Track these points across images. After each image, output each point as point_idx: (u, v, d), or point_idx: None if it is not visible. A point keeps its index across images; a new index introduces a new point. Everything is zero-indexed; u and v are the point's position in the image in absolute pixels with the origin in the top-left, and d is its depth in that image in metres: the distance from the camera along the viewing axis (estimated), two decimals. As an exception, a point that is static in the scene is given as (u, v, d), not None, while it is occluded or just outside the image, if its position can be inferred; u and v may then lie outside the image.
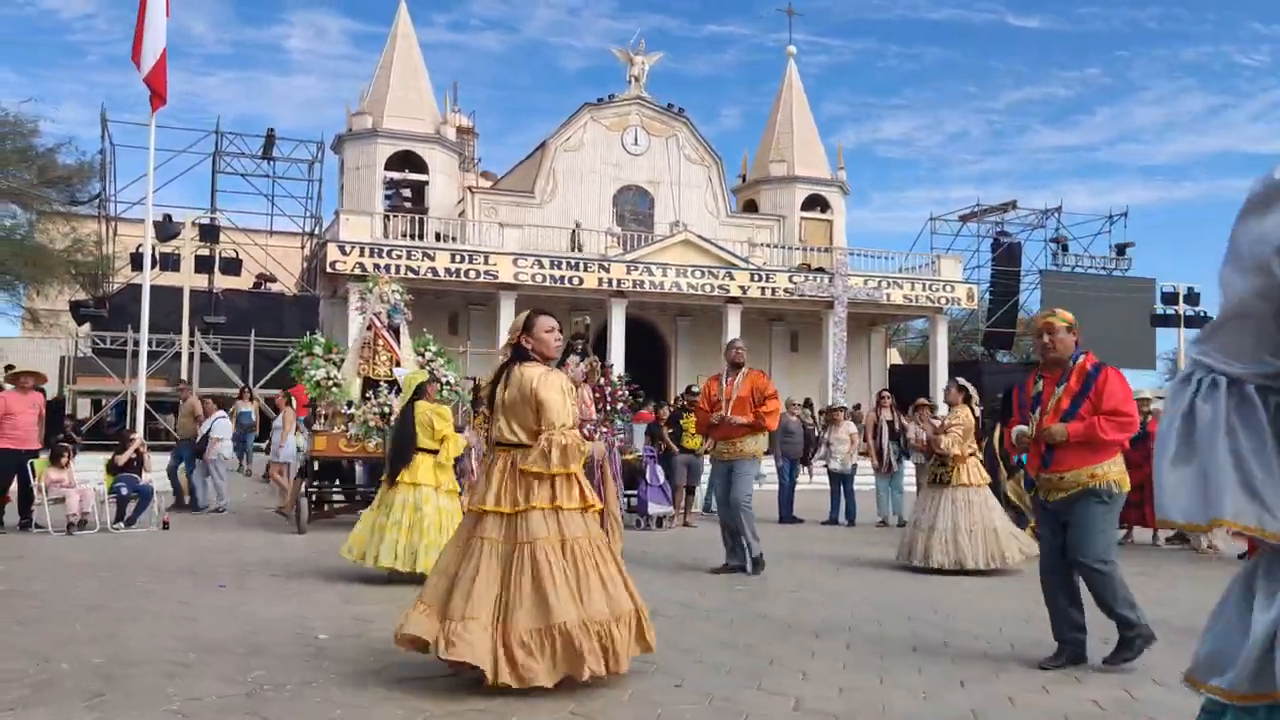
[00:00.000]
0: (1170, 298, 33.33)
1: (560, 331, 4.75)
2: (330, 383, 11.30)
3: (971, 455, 9.00)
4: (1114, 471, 5.05)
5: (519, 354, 4.62)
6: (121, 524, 11.01)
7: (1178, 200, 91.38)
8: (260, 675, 4.65)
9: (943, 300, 31.16)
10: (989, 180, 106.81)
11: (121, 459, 11.54)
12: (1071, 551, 5.01)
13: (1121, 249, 34.77)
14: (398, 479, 7.50)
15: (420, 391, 7.87)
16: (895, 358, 38.27)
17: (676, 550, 9.97)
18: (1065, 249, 34.30)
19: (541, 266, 27.02)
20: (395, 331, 11.75)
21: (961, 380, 9.49)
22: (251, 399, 19.00)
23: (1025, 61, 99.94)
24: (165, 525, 11.23)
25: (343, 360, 11.67)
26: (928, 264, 32.08)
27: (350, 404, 11.29)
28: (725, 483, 8.43)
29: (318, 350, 11.86)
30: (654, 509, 12.04)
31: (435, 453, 7.68)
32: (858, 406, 22.77)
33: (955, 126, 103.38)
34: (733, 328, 26.96)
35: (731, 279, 28.56)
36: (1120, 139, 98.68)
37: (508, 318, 26.86)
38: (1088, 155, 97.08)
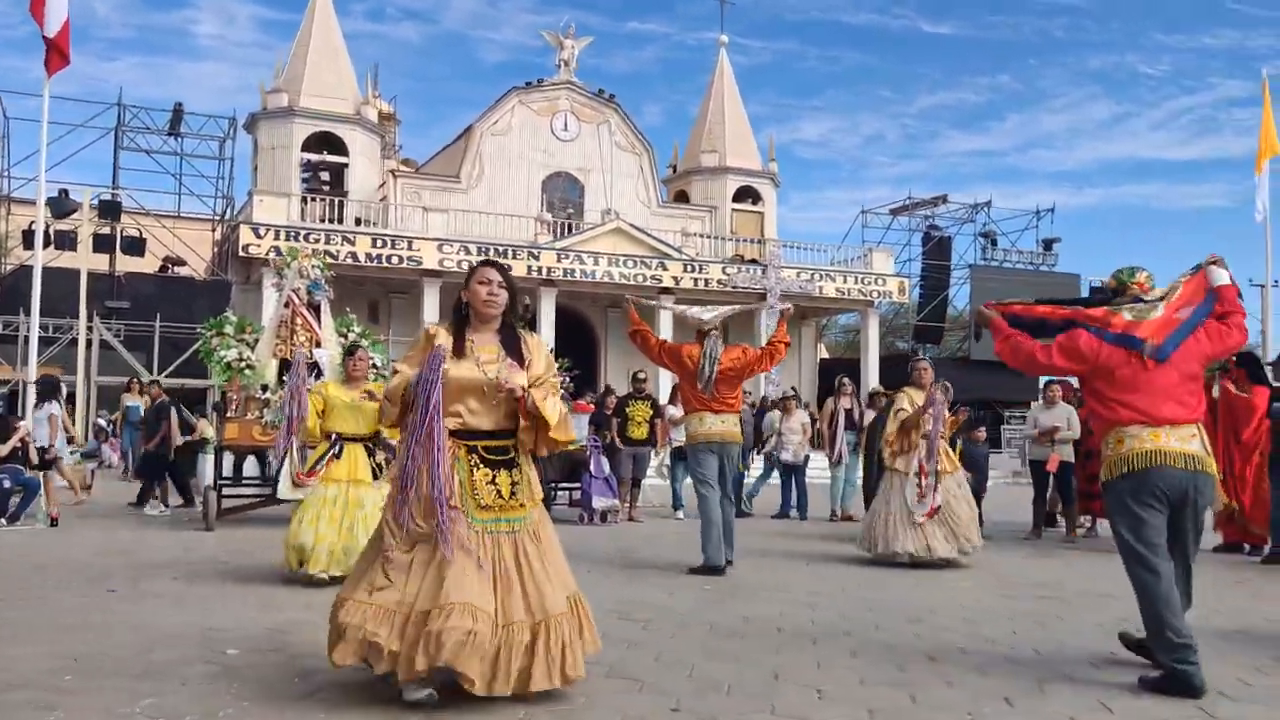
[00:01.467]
0: (1097, 291, 33.47)
1: (504, 286, 3.94)
2: (243, 364, 10.23)
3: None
4: None
5: (457, 310, 3.97)
6: (3, 520, 9.82)
7: (1083, 205, 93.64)
8: (153, 704, 3.73)
9: (874, 294, 30.99)
10: (905, 183, 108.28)
11: (4, 449, 10.32)
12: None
13: (1048, 244, 34.97)
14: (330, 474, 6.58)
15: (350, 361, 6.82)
16: (823, 353, 38.03)
17: (629, 547, 9.16)
18: (994, 243, 34.35)
19: (468, 253, 25.96)
20: (316, 310, 10.72)
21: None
22: (142, 392, 16.56)
23: (939, 67, 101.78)
24: (54, 522, 10.06)
25: (257, 341, 10.61)
26: (860, 257, 31.86)
27: (265, 388, 10.24)
28: (720, 468, 7.58)
29: (229, 330, 10.78)
30: (598, 503, 11.22)
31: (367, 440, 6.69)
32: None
33: (872, 129, 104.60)
34: (664, 320, 26.22)
35: (664, 269, 27.87)
36: (1030, 145, 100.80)
37: (431, 306, 25.77)
38: (1000, 160, 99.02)
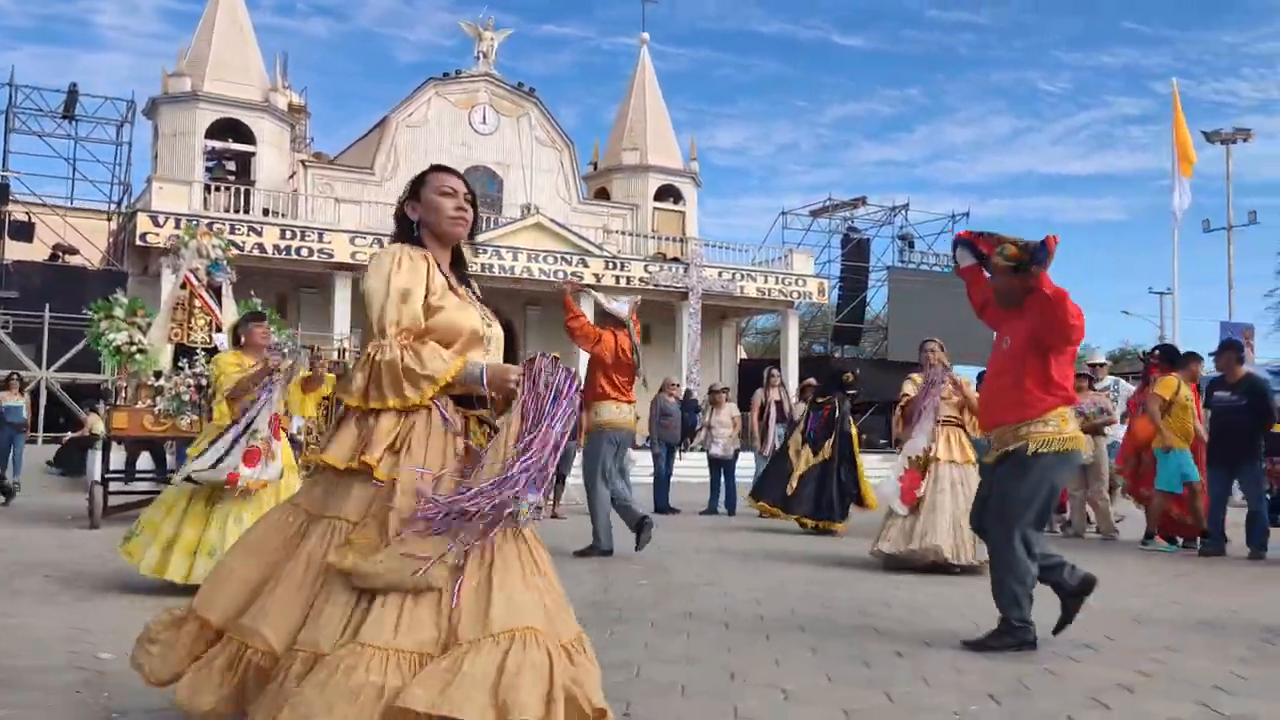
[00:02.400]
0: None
1: (470, 200, 3.01)
2: (134, 349, 9.43)
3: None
4: None
5: (402, 232, 2.97)
6: None
7: (986, 217, 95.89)
8: (8, 716, 3.13)
9: (794, 294, 30.91)
10: (819, 190, 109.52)
11: None
12: None
13: (964, 248, 35.28)
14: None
15: (244, 332, 5.99)
16: (742, 353, 37.89)
17: (556, 545, 8.59)
18: (911, 246, 34.56)
19: (381, 246, 25.01)
20: (216, 292, 9.96)
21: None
22: (22, 390, 15.03)
23: (851, 78, 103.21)
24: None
25: (150, 324, 9.81)
26: (780, 258, 31.76)
27: (159, 374, 9.45)
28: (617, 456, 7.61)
29: (119, 313, 9.96)
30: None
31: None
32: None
33: (786, 138, 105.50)
34: (587, 309, 25.71)
35: (585, 266, 27.34)
36: (937, 156, 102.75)
37: (343, 300, 24.82)
38: (909, 170, 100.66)
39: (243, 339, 6.09)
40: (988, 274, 4.75)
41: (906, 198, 36.91)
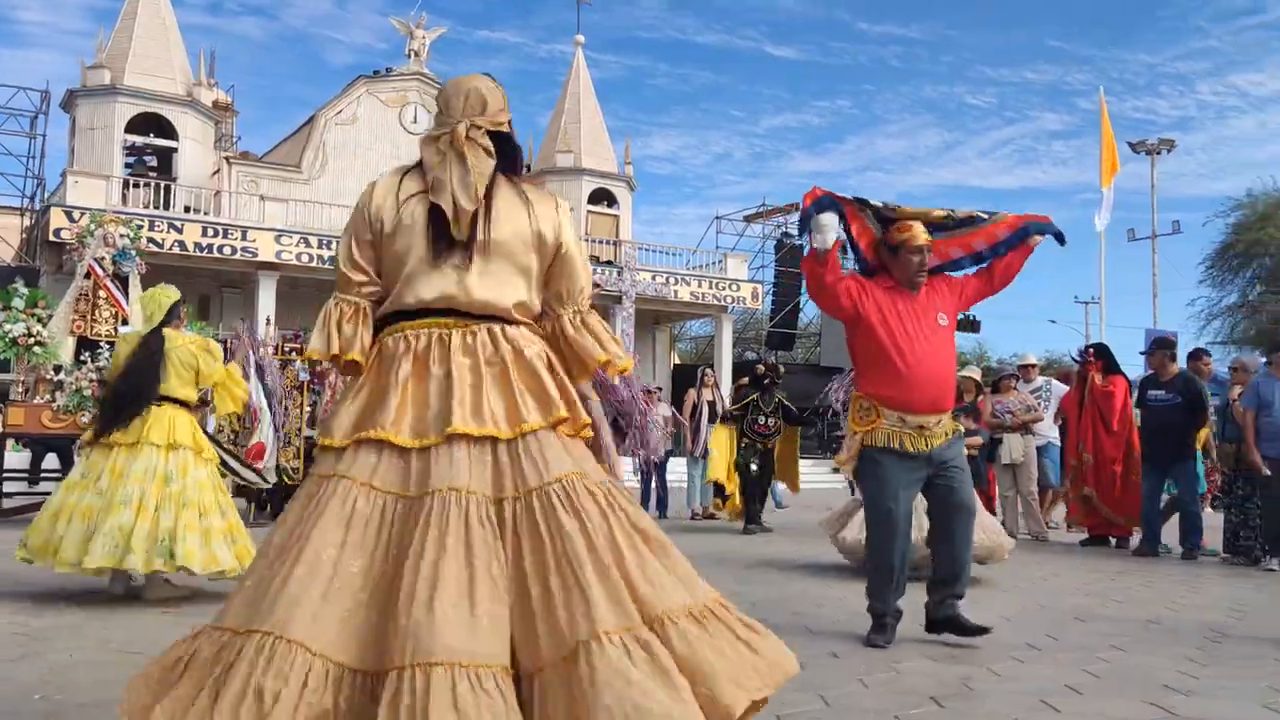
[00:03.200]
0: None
1: None
2: (31, 341, 8.88)
3: None
4: None
5: (512, 154, 2.46)
6: None
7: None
8: None
9: (729, 299, 30.84)
10: (753, 200, 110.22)
11: None
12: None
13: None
14: (135, 437, 5.09)
15: (173, 315, 5.41)
16: (675, 359, 37.74)
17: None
18: (845, 251, 34.62)
19: (308, 245, 24.46)
20: (123, 282, 9.46)
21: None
22: None
23: (784, 89, 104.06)
24: None
25: (50, 316, 9.28)
26: (715, 262, 31.69)
27: (59, 368, 8.93)
28: None
29: (17, 303, 9.40)
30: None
31: (188, 406, 5.35)
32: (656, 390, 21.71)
33: (720, 147, 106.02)
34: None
35: (517, 267, 26.95)
36: (867, 167, 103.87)
37: (267, 300, 24.09)
38: (840, 181, 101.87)
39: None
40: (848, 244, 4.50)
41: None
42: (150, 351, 5.23)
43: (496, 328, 2.29)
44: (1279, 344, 8.21)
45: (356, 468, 2.15)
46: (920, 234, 4.34)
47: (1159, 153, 28.92)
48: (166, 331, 5.32)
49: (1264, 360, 8.38)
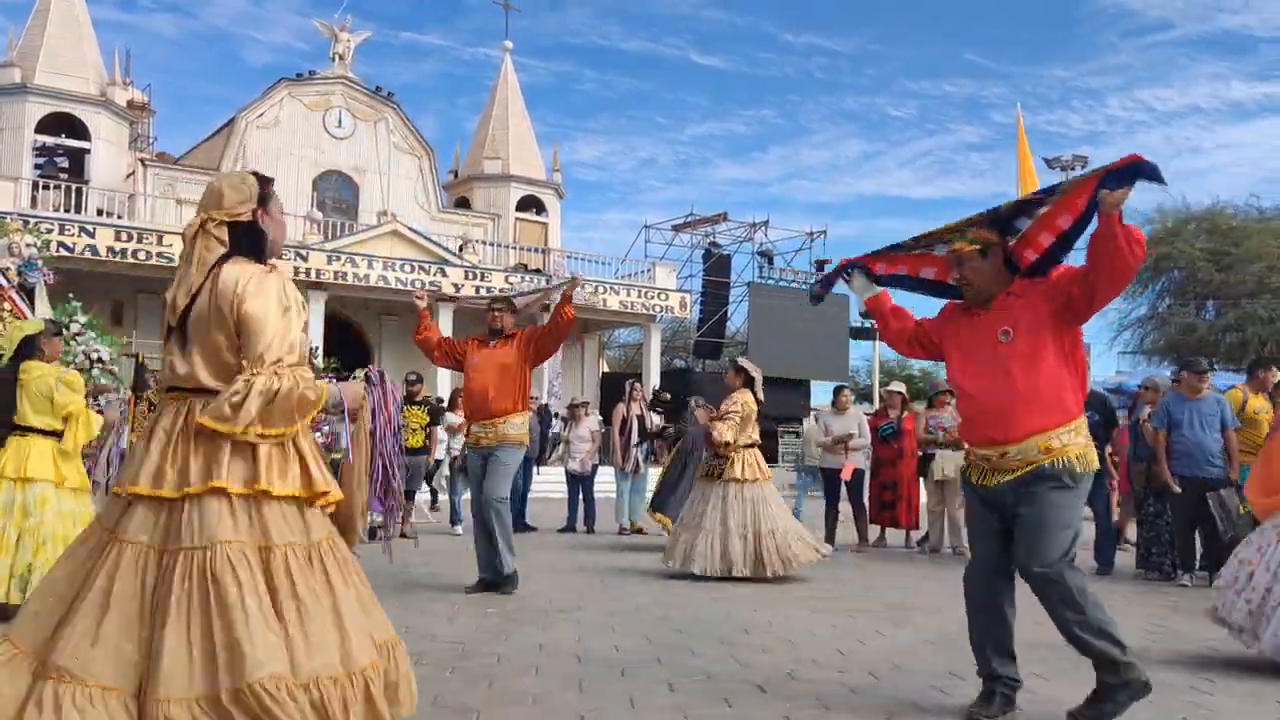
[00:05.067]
0: (866, 314, 34.74)
1: None
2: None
3: (750, 447, 7.92)
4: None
5: (248, 241, 2.73)
6: None
7: (840, 237, 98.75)
8: None
9: (657, 308, 30.88)
10: (680, 206, 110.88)
11: None
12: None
13: (821, 265, 35.94)
14: None
15: (30, 347, 5.45)
16: (604, 367, 37.72)
17: (401, 566, 8.10)
18: (771, 262, 35.03)
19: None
20: (29, 294, 9.12)
21: (741, 360, 8.43)
22: None
23: (709, 97, 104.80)
24: None
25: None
26: (644, 272, 31.72)
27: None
28: (480, 475, 6.78)
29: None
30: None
31: (56, 435, 5.39)
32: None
33: (646, 153, 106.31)
34: (444, 328, 25.05)
35: (444, 275, 26.63)
36: (792, 176, 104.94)
37: (185, 308, 23.48)
38: (765, 190, 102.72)
39: (45, 351, 5.56)
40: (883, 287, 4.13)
41: (766, 215, 37.46)
42: (2, 387, 5.35)
43: (198, 401, 2.60)
44: (1187, 362, 8.38)
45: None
46: (956, 243, 3.74)
47: (1073, 168, 29.68)
48: (25, 364, 5.40)
49: (1173, 379, 8.61)
